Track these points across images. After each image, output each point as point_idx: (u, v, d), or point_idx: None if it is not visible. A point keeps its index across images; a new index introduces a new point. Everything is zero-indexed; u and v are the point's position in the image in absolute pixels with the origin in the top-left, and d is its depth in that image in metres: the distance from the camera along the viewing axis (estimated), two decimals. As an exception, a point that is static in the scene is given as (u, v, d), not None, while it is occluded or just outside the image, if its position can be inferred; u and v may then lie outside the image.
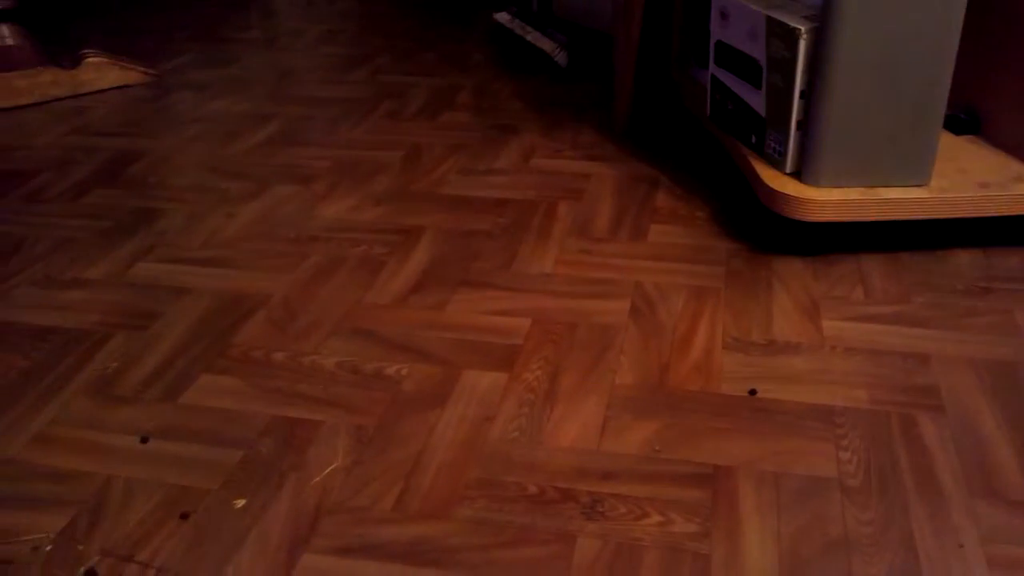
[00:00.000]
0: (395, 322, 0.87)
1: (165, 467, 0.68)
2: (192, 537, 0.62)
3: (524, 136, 1.34)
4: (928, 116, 0.90)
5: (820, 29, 0.87)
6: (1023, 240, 0.98)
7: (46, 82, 1.55)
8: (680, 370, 0.78)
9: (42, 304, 0.92)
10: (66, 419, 0.74)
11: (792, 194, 0.92)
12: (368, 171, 1.23)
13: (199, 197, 1.16)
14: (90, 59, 1.59)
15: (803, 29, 0.88)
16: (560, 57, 1.64)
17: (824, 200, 0.91)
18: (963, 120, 1.06)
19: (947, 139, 1.04)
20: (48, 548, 0.61)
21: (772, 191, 0.94)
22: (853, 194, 0.92)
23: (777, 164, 0.97)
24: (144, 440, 0.71)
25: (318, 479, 0.67)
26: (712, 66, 1.09)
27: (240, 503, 0.64)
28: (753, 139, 1.01)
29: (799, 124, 0.93)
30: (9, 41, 1.53)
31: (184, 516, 0.63)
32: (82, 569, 0.59)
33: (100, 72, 1.60)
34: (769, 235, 1.00)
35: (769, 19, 0.93)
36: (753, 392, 0.75)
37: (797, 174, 0.95)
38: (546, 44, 1.67)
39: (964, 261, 0.95)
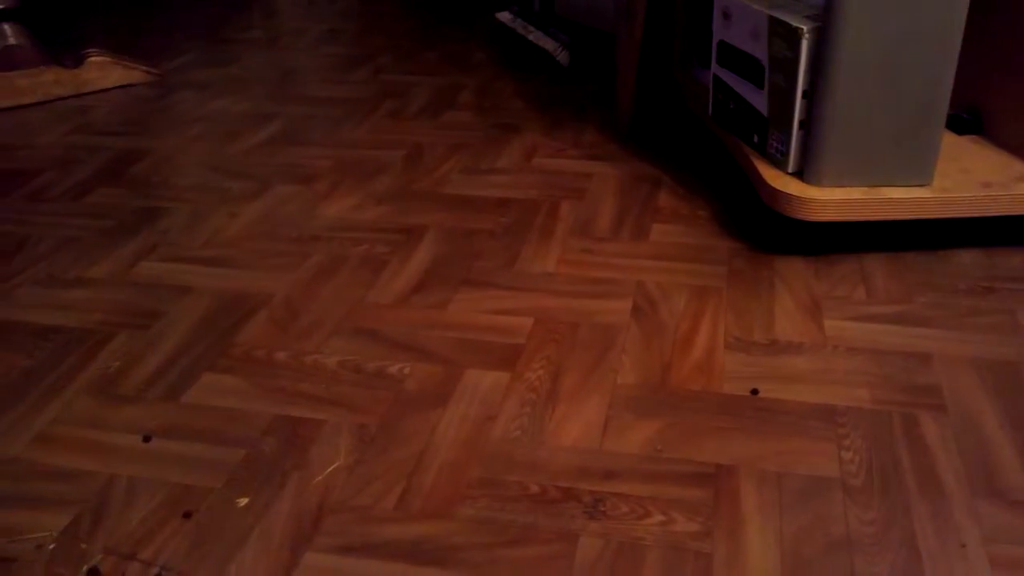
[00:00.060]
0: (397, 321, 0.87)
1: (168, 466, 0.68)
2: (195, 536, 0.62)
3: (526, 135, 1.34)
4: (931, 116, 0.90)
5: (822, 29, 0.87)
6: (1025, 240, 0.98)
7: (49, 81, 1.55)
8: (682, 370, 0.78)
9: (45, 303, 0.92)
10: (69, 418, 0.74)
11: (794, 194, 0.92)
12: (370, 170, 1.23)
13: (201, 196, 1.16)
14: (93, 58, 1.59)
15: (805, 29, 0.88)
16: (562, 56, 1.64)
17: (826, 200, 0.91)
18: (966, 120, 1.06)
19: (950, 139, 1.04)
20: (51, 546, 0.61)
21: (774, 191, 0.94)
22: (855, 194, 0.92)
23: (779, 164, 0.97)
24: (147, 439, 0.71)
25: (320, 478, 0.67)
26: (714, 66, 1.09)
27: (243, 502, 0.65)
28: (755, 139, 1.01)
29: (801, 124, 0.93)
30: (12, 40, 1.53)
31: (187, 515, 0.63)
32: (85, 567, 0.59)
33: (103, 71, 1.60)
34: (771, 235, 1.00)
35: (771, 19, 0.93)
36: (755, 392, 0.75)
37: (799, 174, 0.95)
38: (548, 43, 1.67)
39: (966, 261, 0.95)
